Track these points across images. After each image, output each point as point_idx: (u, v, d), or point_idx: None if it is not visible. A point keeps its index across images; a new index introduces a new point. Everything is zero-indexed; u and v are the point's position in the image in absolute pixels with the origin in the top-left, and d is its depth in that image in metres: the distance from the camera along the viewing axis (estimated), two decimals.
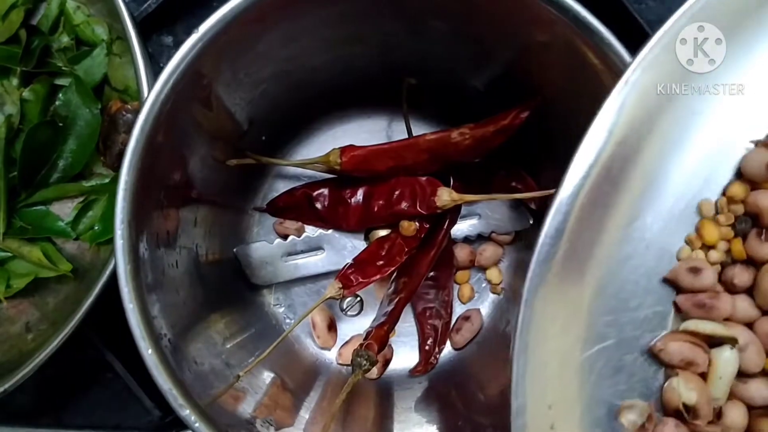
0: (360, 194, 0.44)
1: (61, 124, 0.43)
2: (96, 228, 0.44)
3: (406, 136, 0.44)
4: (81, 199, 0.45)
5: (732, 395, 0.28)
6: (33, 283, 0.44)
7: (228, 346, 0.38)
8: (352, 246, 0.46)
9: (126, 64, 0.44)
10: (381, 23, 0.38)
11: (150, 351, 0.30)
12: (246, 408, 0.36)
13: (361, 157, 0.42)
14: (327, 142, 0.46)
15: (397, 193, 0.43)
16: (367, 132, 0.47)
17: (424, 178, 0.42)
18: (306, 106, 0.44)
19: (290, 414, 0.38)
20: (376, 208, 0.44)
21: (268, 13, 0.33)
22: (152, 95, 0.31)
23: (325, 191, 0.45)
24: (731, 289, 0.28)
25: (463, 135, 0.40)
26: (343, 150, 0.42)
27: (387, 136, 0.47)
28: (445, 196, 0.41)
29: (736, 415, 0.28)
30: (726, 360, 0.28)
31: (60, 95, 0.44)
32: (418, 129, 0.45)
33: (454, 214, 0.44)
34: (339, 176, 0.44)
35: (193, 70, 0.32)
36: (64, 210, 0.45)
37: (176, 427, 0.46)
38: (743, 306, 0.28)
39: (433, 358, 0.45)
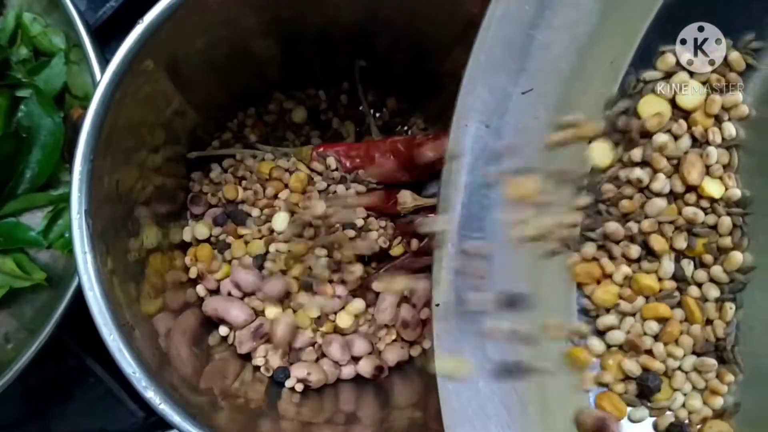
0: None
1: (24, 135, 0.44)
2: (67, 235, 0.45)
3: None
4: (50, 208, 0.45)
5: None
6: (9, 294, 0.44)
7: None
8: None
9: (84, 72, 0.44)
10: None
11: (112, 336, 0.31)
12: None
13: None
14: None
15: None
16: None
17: None
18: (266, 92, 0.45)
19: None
20: None
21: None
22: (101, 86, 0.32)
23: None
24: None
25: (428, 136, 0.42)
26: (316, 147, 0.43)
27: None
28: (407, 199, 0.42)
29: None
30: None
31: (22, 106, 0.44)
32: None
33: None
34: None
35: (139, 60, 0.33)
36: (34, 220, 0.45)
37: (160, 428, 0.46)
38: None
39: None
